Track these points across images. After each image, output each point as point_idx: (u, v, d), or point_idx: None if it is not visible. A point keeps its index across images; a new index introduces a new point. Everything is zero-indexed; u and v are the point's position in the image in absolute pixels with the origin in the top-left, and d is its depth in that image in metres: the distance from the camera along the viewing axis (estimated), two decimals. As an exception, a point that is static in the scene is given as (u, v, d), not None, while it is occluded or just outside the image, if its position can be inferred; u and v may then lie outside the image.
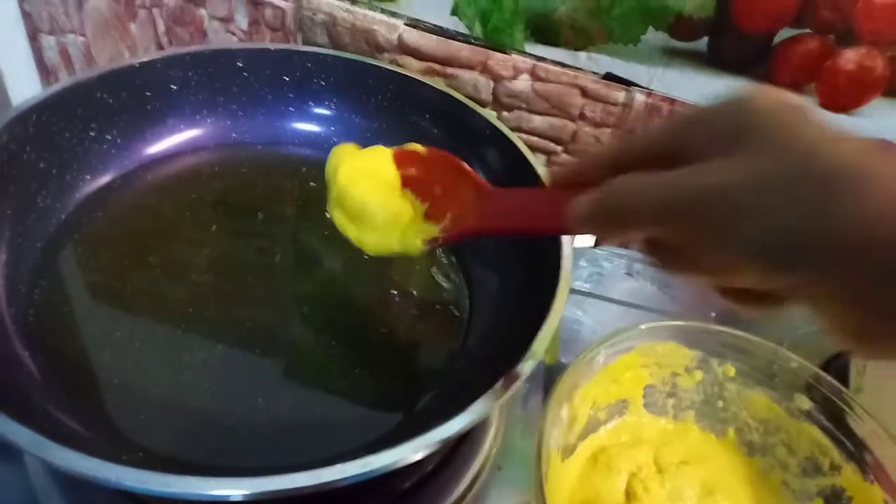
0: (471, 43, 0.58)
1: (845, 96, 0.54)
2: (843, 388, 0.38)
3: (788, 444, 0.41)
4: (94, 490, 0.36)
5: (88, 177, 0.44)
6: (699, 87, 0.56)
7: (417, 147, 0.36)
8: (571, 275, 0.37)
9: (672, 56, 0.56)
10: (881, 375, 0.44)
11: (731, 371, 0.42)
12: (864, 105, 0.54)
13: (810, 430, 0.40)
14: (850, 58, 0.52)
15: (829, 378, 0.39)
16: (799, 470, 0.41)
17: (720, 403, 0.43)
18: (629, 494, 0.39)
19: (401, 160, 0.36)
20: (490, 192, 0.33)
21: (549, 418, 0.36)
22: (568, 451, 0.40)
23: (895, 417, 0.38)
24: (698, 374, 0.43)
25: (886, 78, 0.52)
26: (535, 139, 0.61)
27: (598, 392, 0.41)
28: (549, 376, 0.47)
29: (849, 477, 0.38)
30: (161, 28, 0.63)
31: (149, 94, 0.46)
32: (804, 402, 0.40)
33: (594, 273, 0.58)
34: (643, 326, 0.40)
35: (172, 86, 0.46)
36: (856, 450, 0.38)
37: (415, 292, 0.43)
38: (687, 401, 0.43)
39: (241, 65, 0.48)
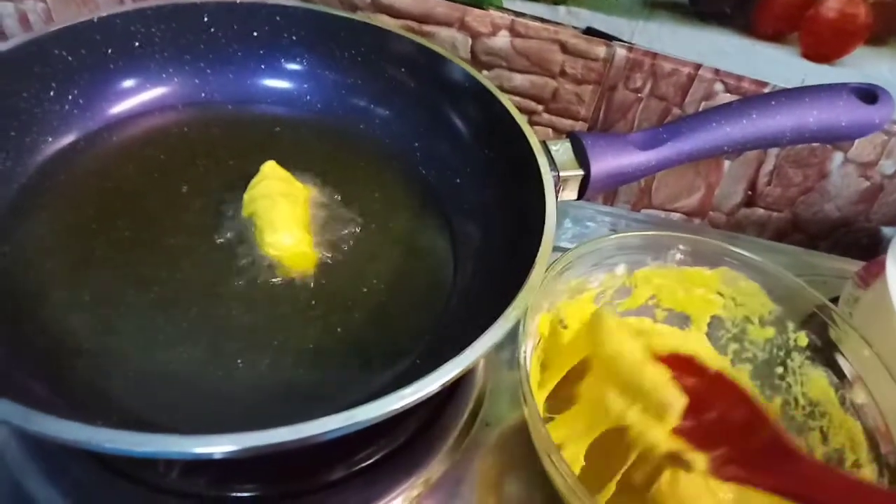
0: (447, -1, 0.56)
1: (828, 45, 0.53)
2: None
3: (826, 433, 0.40)
4: (69, 460, 0.35)
5: (50, 139, 0.42)
6: (681, 40, 0.55)
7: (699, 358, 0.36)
8: (555, 235, 0.36)
9: (653, 8, 0.55)
10: (865, 324, 0.44)
11: (804, 341, 0.41)
12: (848, 54, 0.53)
13: (852, 425, 0.38)
14: (832, 6, 0.51)
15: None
16: (823, 459, 0.39)
17: (780, 370, 0.42)
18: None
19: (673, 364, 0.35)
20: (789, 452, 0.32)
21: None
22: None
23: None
24: (770, 331, 0.41)
25: (869, 25, 0.52)
26: (516, 98, 0.60)
27: (664, 286, 0.40)
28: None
29: (865, 476, 0.37)
30: (124, -9, 0.60)
31: (110, 51, 0.43)
32: (860, 395, 0.38)
33: (579, 232, 0.57)
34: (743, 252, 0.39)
35: (135, 42, 0.44)
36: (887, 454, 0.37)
37: (398, 251, 0.42)
38: (749, 353, 0.42)
39: (207, 20, 0.46)
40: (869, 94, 0.41)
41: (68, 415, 0.25)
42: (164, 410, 0.33)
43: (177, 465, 0.35)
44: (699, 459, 0.33)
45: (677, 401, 0.34)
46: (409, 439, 0.39)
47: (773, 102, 0.41)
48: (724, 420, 0.35)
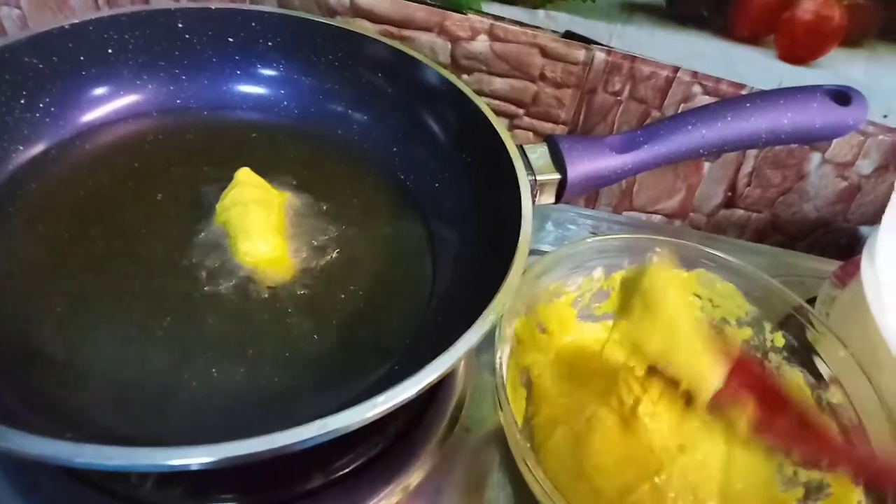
0: (426, 3, 0.56)
1: (804, 47, 0.54)
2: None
3: None
4: (41, 473, 0.35)
5: (21, 147, 0.41)
6: (659, 43, 0.55)
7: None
8: (537, 238, 0.36)
9: (631, 12, 0.55)
10: (842, 323, 0.44)
11: (781, 341, 0.41)
12: (823, 56, 0.54)
13: (828, 424, 0.39)
14: (807, 8, 0.52)
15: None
16: (801, 458, 0.39)
17: None
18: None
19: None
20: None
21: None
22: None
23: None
24: (748, 332, 0.42)
25: (844, 27, 0.52)
26: (496, 102, 0.60)
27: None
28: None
29: (841, 476, 0.37)
30: (101, -2, 0.60)
31: (83, 58, 0.43)
32: (836, 396, 0.39)
33: (561, 235, 0.57)
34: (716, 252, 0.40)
35: (108, 49, 0.44)
36: None
37: (376, 256, 0.42)
38: None
39: (181, 26, 0.45)
40: (843, 96, 0.42)
41: (37, 429, 0.25)
42: (137, 421, 0.32)
43: (151, 477, 0.34)
44: (741, 416, 0.35)
45: (717, 376, 0.35)
46: (388, 446, 0.38)
47: (747, 105, 0.41)
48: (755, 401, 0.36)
